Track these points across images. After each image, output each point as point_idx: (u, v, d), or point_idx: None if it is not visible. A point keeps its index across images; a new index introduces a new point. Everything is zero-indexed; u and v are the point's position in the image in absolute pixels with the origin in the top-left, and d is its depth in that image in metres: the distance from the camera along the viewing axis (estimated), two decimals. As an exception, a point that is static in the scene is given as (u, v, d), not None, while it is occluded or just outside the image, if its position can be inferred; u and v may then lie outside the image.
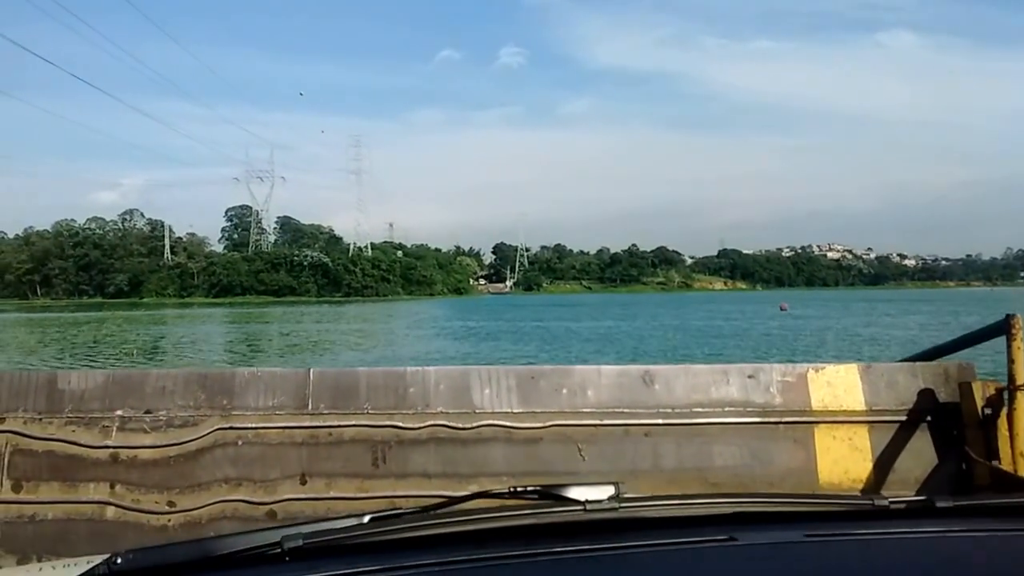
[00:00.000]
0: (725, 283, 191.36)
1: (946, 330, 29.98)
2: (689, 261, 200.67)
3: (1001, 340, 3.88)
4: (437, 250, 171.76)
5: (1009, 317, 3.82)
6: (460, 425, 3.74)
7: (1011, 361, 3.78)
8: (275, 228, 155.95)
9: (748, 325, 47.93)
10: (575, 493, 1.51)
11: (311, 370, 3.86)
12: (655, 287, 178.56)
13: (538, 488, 1.57)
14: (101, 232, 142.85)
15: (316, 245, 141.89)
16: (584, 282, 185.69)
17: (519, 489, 1.60)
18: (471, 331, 45.20)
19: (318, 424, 3.70)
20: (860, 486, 3.80)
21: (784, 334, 38.66)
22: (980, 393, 3.84)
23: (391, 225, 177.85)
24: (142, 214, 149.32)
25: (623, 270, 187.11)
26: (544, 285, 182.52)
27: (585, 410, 3.82)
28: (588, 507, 1.49)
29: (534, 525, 1.47)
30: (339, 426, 3.71)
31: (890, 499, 1.48)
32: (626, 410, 3.83)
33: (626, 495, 1.54)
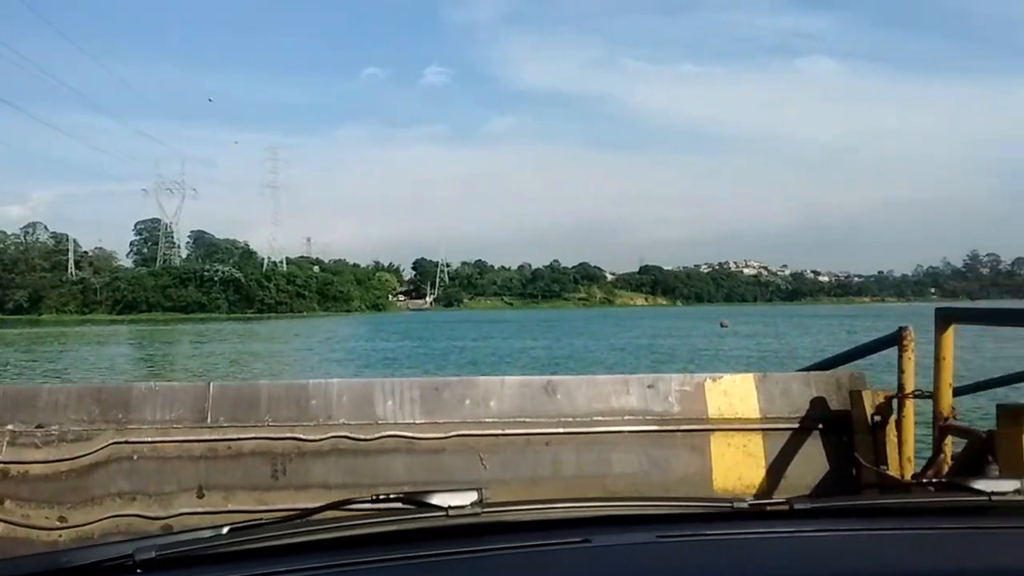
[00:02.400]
0: (646, 299, 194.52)
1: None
2: (610, 277, 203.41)
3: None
4: (356, 265, 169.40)
5: (901, 329, 4.04)
6: (362, 436, 3.78)
7: (901, 371, 4.00)
8: (188, 243, 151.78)
9: (704, 344, 47.20)
10: (438, 499, 1.54)
11: (211, 384, 3.86)
12: (577, 303, 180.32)
13: (401, 495, 1.59)
14: (2, 246, 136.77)
15: (230, 260, 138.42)
16: (506, 298, 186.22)
17: (382, 496, 1.61)
18: (383, 356, 41.57)
19: (217, 437, 3.69)
20: (753, 491, 3.95)
21: (762, 353, 37.42)
22: (870, 401, 4.04)
23: (309, 240, 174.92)
24: (46, 227, 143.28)
25: (545, 286, 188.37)
26: (465, 301, 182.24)
27: (488, 420, 3.90)
28: (451, 512, 1.51)
29: (395, 532, 1.50)
30: (238, 439, 3.71)
31: (749, 501, 1.55)
32: (528, 419, 3.92)
33: (490, 500, 1.57)
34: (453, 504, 1.53)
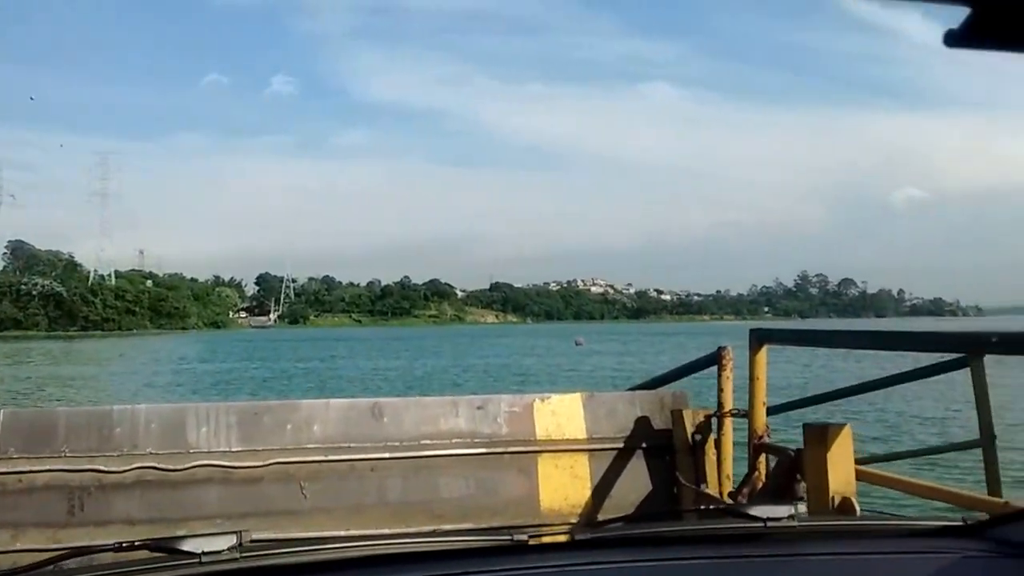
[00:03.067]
0: (497, 316, 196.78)
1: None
2: (461, 294, 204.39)
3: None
4: (193, 280, 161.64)
5: (720, 349, 4.19)
6: (171, 467, 3.60)
7: (720, 390, 4.15)
8: (4, 254, 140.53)
9: (564, 362, 47.06)
10: (191, 545, 1.40)
11: (1, 411, 3.60)
12: (427, 320, 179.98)
13: (149, 541, 1.43)
14: None
15: (52, 273, 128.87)
16: (354, 315, 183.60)
17: (125, 544, 1.46)
18: (219, 379, 38.31)
19: (6, 470, 3.47)
20: (579, 511, 4.02)
21: (621, 371, 36.82)
22: (691, 420, 4.18)
23: (142, 253, 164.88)
24: None
25: (395, 303, 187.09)
26: (311, 318, 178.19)
27: (310, 446, 3.80)
28: (204, 559, 1.38)
29: None
30: (31, 471, 3.49)
31: (530, 533, 1.50)
32: (353, 444, 3.85)
33: (253, 541, 1.45)
34: (208, 549, 1.43)
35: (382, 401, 4.03)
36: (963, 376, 3.93)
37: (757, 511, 1.55)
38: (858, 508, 2.94)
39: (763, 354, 3.87)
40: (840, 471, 3.02)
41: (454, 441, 3.96)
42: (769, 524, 1.53)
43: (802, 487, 3.27)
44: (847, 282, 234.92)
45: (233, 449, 3.68)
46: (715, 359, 4.21)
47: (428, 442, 3.92)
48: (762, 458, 3.81)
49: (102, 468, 3.53)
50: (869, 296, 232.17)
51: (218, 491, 3.64)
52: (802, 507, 1.63)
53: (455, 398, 4.20)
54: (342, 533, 3.66)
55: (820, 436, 3.07)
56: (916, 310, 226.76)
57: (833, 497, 2.98)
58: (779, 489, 3.40)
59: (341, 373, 41.21)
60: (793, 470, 3.30)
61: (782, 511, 1.55)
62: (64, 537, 3.43)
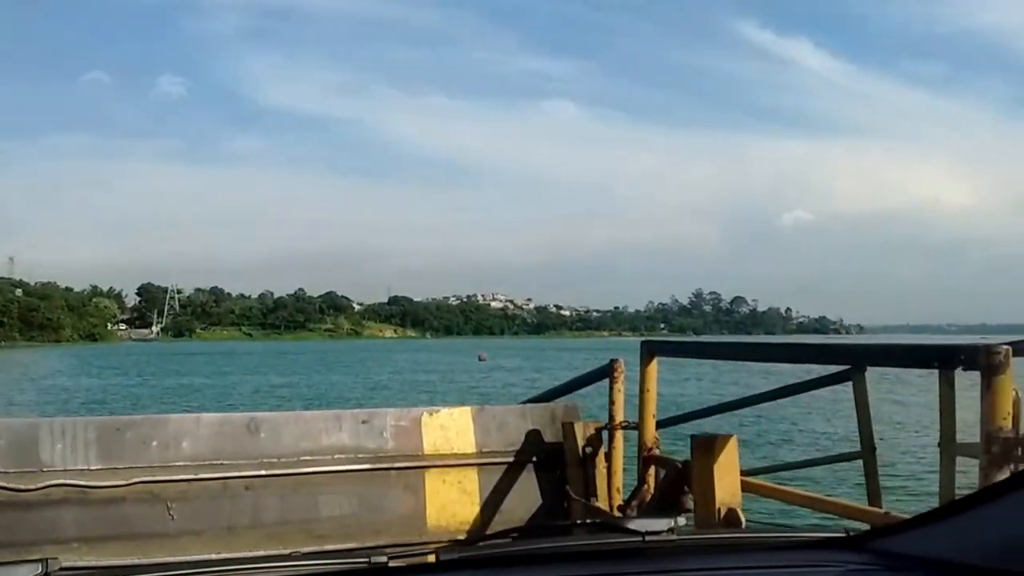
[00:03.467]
0: (395, 330, 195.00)
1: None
2: (358, 308, 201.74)
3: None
4: (68, 289, 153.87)
5: (612, 362, 4.21)
6: (22, 486, 3.37)
7: (611, 402, 4.16)
8: None
9: (468, 378, 46.22)
10: None
11: None
12: (323, 334, 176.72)
13: None
14: None
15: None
16: (244, 328, 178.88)
17: None
18: (93, 397, 35.40)
19: None
20: (467, 528, 3.95)
21: (528, 386, 35.05)
22: (581, 433, 4.18)
23: (11, 259, 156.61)
24: None
25: (288, 316, 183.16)
26: (198, 331, 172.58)
27: (178, 464, 3.62)
28: None
29: None
30: None
31: (390, 555, 1.43)
32: (226, 462, 3.69)
33: (64, 568, 1.31)
34: None
35: (259, 415, 3.87)
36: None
37: (636, 525, 1.51)
38: (743, 519, 2.97)
39: (653, 366, 3.89)
40: (726, 482, 3.04)
41: (336, 457, 3.84)
42: (648, 539, 1.50)
43: (689, 499, 3.29)
44: (739, 300, 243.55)
45: (92, 467, 3.47)
46: (607, 372, 4.22)
47: (308, 458, 3.79)
48: (651, 470, 3.83)
49: None
50: (759, 314, 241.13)
51: (75, 513, 3.42)
52: (683, 520, 1.59)
53: (338, 412, 4.08)
54: (210, 557, 3.50)
55: (707, 447, 3.09)
56: (803, 328, 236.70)
57: (719, 508, 3.01)
58: (666, 501, 3.42)
59: (232, 391, 39.04)
60: (680, 482, 3.32)
61: (661, 524, 1.52)
62: None
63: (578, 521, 4.03)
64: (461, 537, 3.91)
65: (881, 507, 4.01)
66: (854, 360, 3.64)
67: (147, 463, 3.54)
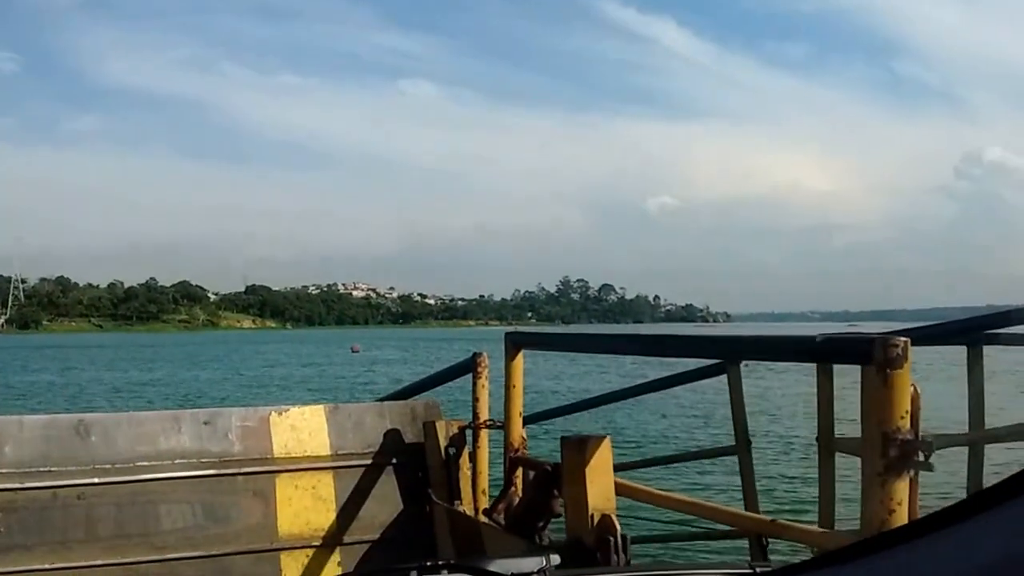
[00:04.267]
0: (254, 321, 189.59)
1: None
2: (214, 297, 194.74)
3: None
4: None
5: (475, 355, 3.95)
6: None
7: (475, 399, 3.92)
8: None
9: (345, 371, 43.53)
10: None
11: None
12: (177, 325, 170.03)
13: None
14: None
15: None
16: (94, 319, 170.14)
17: None
18: None
19: None
20: (322, 535, 3.71)
21: (411, 378, 33.75)
22: (444, 432, 3.94)
23: None
24: None
25: (140, 306, 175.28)
26: (45, 323, 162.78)
27: (2, 471, 3.29)
28: None
29: None
30: None
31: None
32: (55, 469, 3.36)
33: None
34: None
35: (87, 417, 3.53)
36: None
37: (499, 567, 1.24)
38: (618, 526, 2.76)
39: (519, 360, 3.66)
40: (599, 486, 2.84)
41: (177, 462, 3.55)
42: None
43: (559, 503, 3.07)
44: (607, 288, 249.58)
45: None
46: (469, 366, 3.97)
47: (146, 464, 3.49)
48: (519, 472, 3.60)
49: None
50: (627, 302, 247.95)
51: None
52: (556, 558, 1.31)
53: (176, 412, 3.79)
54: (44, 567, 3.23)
55: (578, 449, 2.87)
56: (671, 316, 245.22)
57: (592, 515, 2.81)
58: (535, 506, 3.19)
59: (87, 390, 35.22)
60: (551, 485, 3.09)
61: (530, 565, 1.26)
62: None
63: (443, 528, 3.78)
64: (316, 544, 3.67)
65: (757, 505, 3.95)
66: (731, 354, 3.53)
67: None
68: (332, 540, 3.70)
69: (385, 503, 3.85)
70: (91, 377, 42.35)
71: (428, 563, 1.25)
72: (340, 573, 3.64)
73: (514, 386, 3.65)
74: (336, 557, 3.69)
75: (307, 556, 3.65)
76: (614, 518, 2.79)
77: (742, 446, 3.97)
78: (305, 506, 3.70)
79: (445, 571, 1.24)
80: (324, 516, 3.72)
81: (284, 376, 42.69)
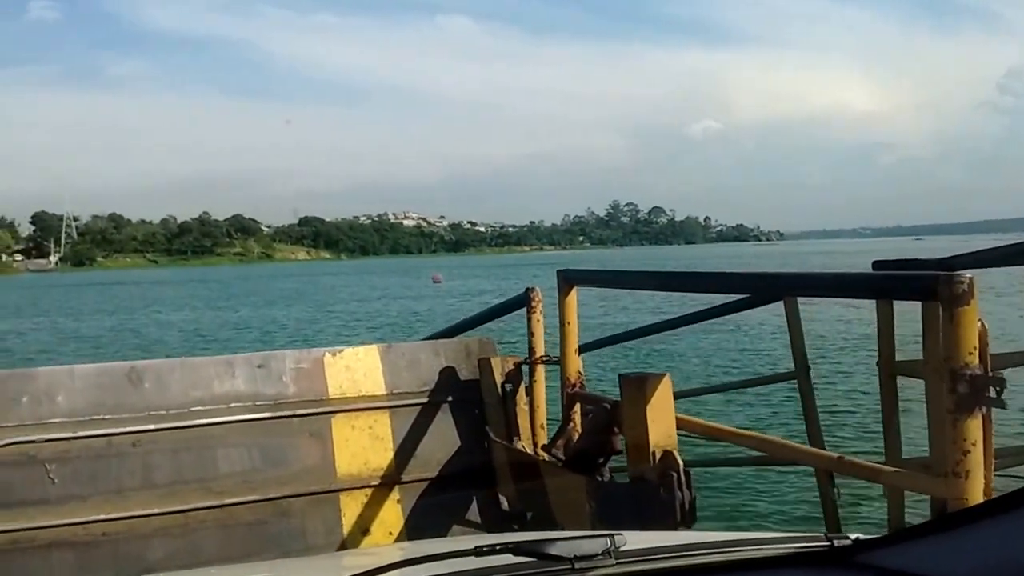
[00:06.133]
0: (308, 252, 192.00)
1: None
2: (267, 230, 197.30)
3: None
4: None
5: (529, 290, 3.93)
6: None
7: (531, 334, 3.90)
8: None
9: (448, 304, 38.94)
10: None
11: None
12: (233, 258, 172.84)
13: None
14: None
15: None
16: (148, 255, 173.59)
17: None
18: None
19: None
20: (380, 475, 3.75)
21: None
22: (500, 368, 3.94)
23: None
24: None
25: (194, 240, 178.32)
26: (99, 259, 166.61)
27: (55, 421, 3.31)
28: None
29: None
30: None
31: None
32: (109, 416, 3.39)
33: None
34: None
35: (139, 364, 3.55)
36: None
37: (562, 549, 1.22)
38: (680, 461, 2.76)
39: (573, 297, 3.64)
40: (660, 424, 2.83)
41: (232, 406, 3.57)
42: (578, 565, 1.23)
43: (619, 440, 3.08)
44: (657, 210, 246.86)
45: None
46: (523, 301, 3.95)
47: (200, 409, 3.51)
48: (577, 407, 3.60)
49: None
50: (678, 224, 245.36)
51: None
52: (621, 538, 1.27)
53: (230, 357, 3.78)
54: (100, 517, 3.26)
55: (638, 387, 2.86)
56: (723, 236, 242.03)
57: (654, 452, 2.80)
58: (595, 444, 3.20)
59: (189, 335, 31.37)
60: (610, 423, 3.09)
61: (595, 546, 1.23)
62: None
63: (503, 465, 3.81)
64: (375, 483, 3.69)
65: (820, 432, 3.92)
66: (790, 291, 3.45)
67: (19, 421, 3.24)
68: (390, 479, 3.73)
69: (442, 441, 3.87)
70: (174, 319, 38.98)
71: (486, 546, 1.23)
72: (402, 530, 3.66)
73: (568, 323, 3.63)
74: (395, 496, 3.73)
75: (366, 496, 3.69)
76: (676, 454, 2.79)
77: (802, 372, 3.93)
78: (362, 446, 3.73)
79: (506, 552, 1.23)
80: (381, 456, 3.75)
81: (378, 312, 38.96)
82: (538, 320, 3.90)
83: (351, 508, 3.66)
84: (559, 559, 1.23)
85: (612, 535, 1.26)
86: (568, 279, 3.62)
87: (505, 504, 3.81)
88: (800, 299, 3.90)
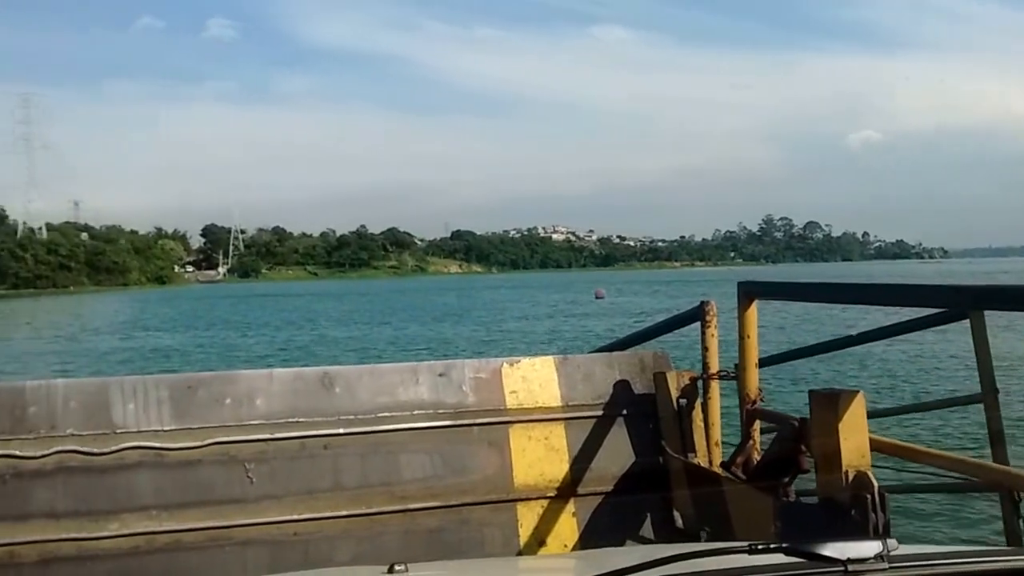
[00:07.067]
0: (460, 266, 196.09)
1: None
2: (421, 243, 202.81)
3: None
4: (133, 232, 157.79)
5: (703, 304, 3.91)
6: (96, 450, 3.30)
7: (705, 349, 3.88)
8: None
9: (619, 322, 36.72)
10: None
11: None
12: (387, 271, 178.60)
13: None
14: None
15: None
16: (309, 267, 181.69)
17: None
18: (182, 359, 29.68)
19: None
20: (556, 486, 3.79)
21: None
22: (675, 383, 3.91)
23: (77, 204, 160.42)
24: None
25: (352, 254, 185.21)
26: (263, 271, 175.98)
27: (253, 423, 3.52)
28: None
29: None
30: None
31: None
32: (302, 420, 3.57)
33: None
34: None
35: (332, 370, 3.73)
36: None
37: (835, 550, 1.22)
38: (875, 482, 2.68)
39: (753, 310, 3.59)
40: (853, 443, 2.75)
41: (416, 413, 3.69)
42: (851, 568, 1.23)
43: (807, 459, 3.01)
44: (812, 225, 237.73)
45: (166, 428, 3.38)
46: (696, 315, 3.93)
47: (387, 415, 3.65)
48: (756, 424, 3.55)
49: (16, 453, 3.21)
50: (834, 239, 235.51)
51: (151, 477, 3.33)
52: (893, 542, 1.25)
53: (414, 364, 3.90)
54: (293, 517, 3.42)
55: (830, 404, 2.79)
56: (881, 253, 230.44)
57: (846, 471, 2.73)
58: (781, 461, 3.14)
59: (366, 345, 32.58)
60: (798, 440, 3.03)
61: (867, 548, 1.23)
62: None
63: (679, 479, 3.79)
64: (551, 494, 3.74)
65: (1007, 459, 3.69)
66: (972, 304, 3.28)
67: (221, 422, 3.45)
68: (567, 491, 3.75)
69: (617, 455, 3.87)
70: (340, 333, 39.70)
71: (760, 544, 1.24)
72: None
73: (748, 336, 3.58)
74: (571, 508, 3.75)
75: (542, 507, 3.73)
76: (871, 475, 2.71)
77: (989, 394, 3.71)
78: (538, 457, 3.77)
79: (779, 551, 1.24)
80: (557, 467, 3.78)
81: (552, 331, 37.43)
82: (712, 335, 3.87)
83: (528, 518, 3.70)
84: (832, 560, 1.23)
85: (884, 539, 1.25)
86: (749, 291, 3.58)
87: (679, 520, 3.79)
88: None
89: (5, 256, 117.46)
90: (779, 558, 1.23)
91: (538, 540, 3.69)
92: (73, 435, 3.30)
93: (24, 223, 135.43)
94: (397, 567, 1.48)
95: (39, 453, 3.24)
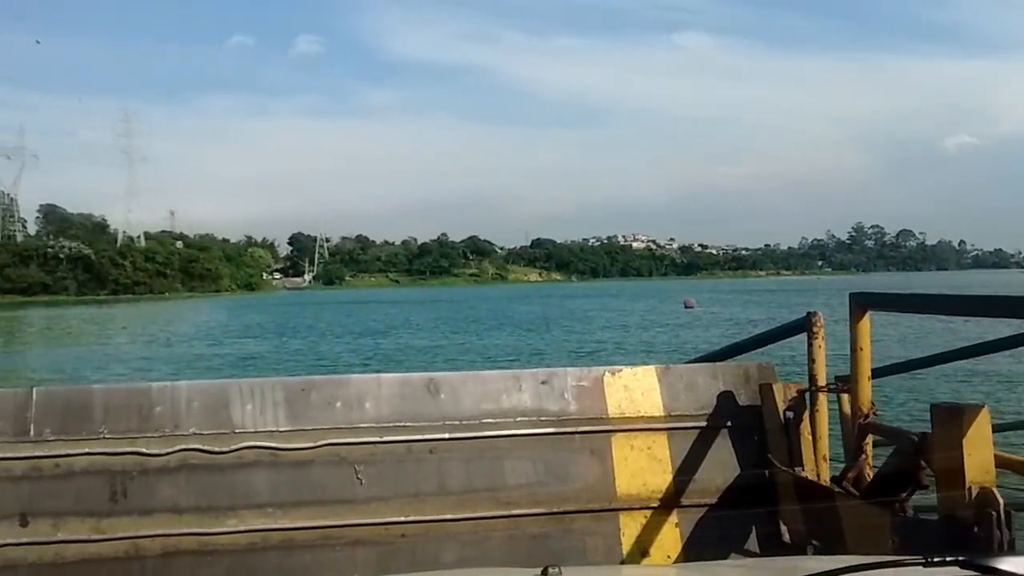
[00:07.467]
0: (540, 274, 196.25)
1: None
2: (501, 252, 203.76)
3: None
4: (225, 241, 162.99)
5: (810, 315, 3.85)
6: (216, 448, 3.45)
7: (811, 361, 3.82)
8: (38, 218, 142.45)
9: (714, 333, 35.81)
10: None
11: (34, 389, 3.47)
12: (468, 279, 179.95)
13: None
14: None
15: (79, 235, 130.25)
16: (391, 275, 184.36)
17: None
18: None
19: (42, 454, 3.33)
20: (659, 497, 3.76)
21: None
22: (781, 395, 3.86)
23: (172, 214, 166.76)
24: None
25: (433, 261, 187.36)
26: (347, 278, 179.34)
27: (363, 425, 3.61)
28: None
29: None
30: (69, 455, 3.35)
31: None
32: (409, 424, 3.64)
33: None
34: None
35: (437, 376, 3.80)
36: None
37: (1015, 565, 1.21)
38: (1000, 499, 2.62)
39: (866, 322, 3.53)
40: (977, 459, 2.69)
41: (519, 420, 3.73)
42: None
43: (926, 475, 2.95)
44: (905, 233, 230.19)
45: (281, 429, 3.51)
46: (803, 326, 3.87)
47: (491, 421, 3.69)
48: (868, 439, 3.48)
49: (144, 451, 3.37)
50: (928, 248, 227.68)
51: (266, 475, 3.46)
52: None
53: (516, 372, 3.94)
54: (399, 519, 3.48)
55: (953, 418, 2.73)
56: (979, 262, 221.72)
57: (970, 488, 2.66)
58: (898, 476, 3.08)
59: (454, 356, 31.96)
60: (917, 455, 2.97)
61: None
62: (107, 527, 3.28)
63: (788, 494, 3.73)
64: (654, 505, 3.72)
65: None
66: None
67: (333, 424, 3.54)
68: (669, 502, 3.73)
69: (721, 466, 3.82)
70: (423, 341, 39.30)
71: (936, 558, 1.24)
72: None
73: (861, 348, 3.51)
74: (674, 519, 3.72)
75: (645, 517, 3.71)
76: (995, 491, 2.64)
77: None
78: (641, 467, 3.75)
79: (955, 566, 1.23)
80: (660, 477, 3.76)
81: (643, 341, 36.10)
82: (819, 346, 3.80)
83: (630, 528, 3.69)
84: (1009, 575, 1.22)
85: None
86: (861, 303, 3.52)
87: (786, 534, 3.73)
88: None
89: (106, 263, 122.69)
90: (954, 571, 1.23)
91: (641, 550, 3.67)
92: (195, 434, 3.43)
93: (123, 232, 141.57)
94: (551, 570, 1.51)
95: (164, 451, 3.39)
